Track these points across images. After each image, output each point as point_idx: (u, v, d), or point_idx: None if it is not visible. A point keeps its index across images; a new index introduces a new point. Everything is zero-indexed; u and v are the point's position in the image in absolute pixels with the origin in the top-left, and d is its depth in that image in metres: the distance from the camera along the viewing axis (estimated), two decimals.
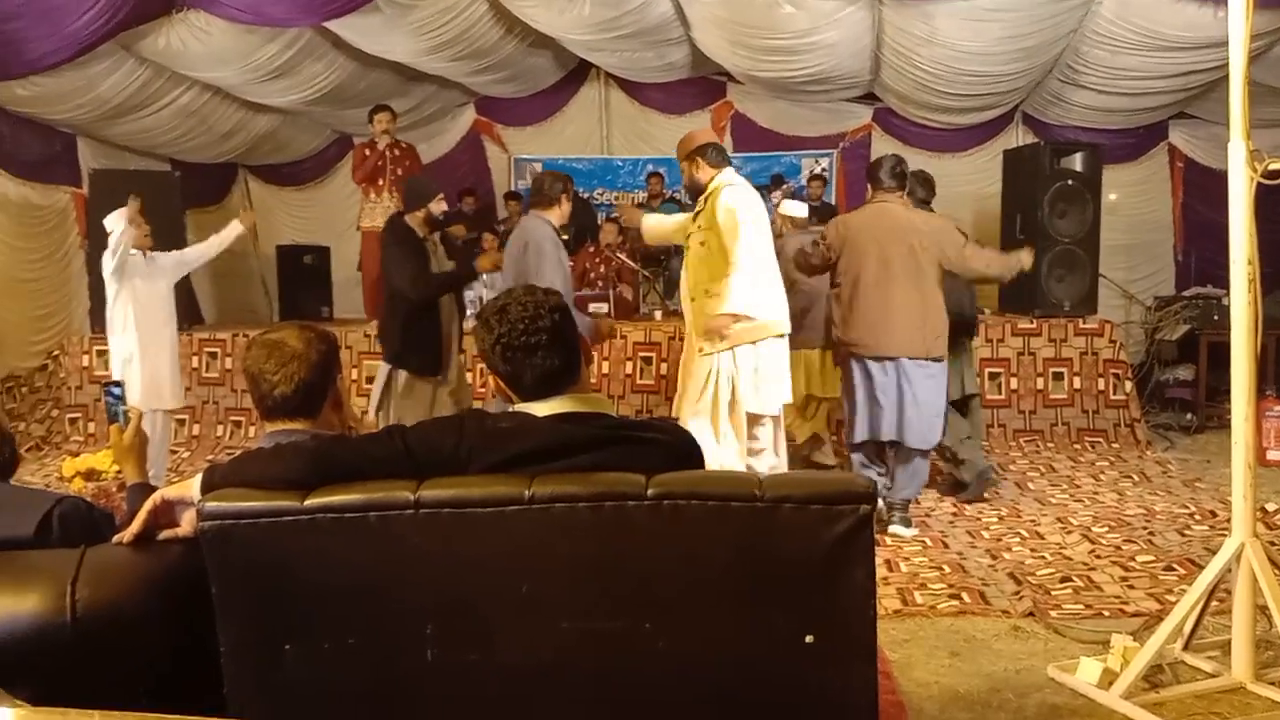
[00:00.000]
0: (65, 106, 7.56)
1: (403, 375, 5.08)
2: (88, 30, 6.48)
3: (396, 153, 7.85)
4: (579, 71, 9.79)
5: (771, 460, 4.89)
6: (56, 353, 7.95)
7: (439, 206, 5.24)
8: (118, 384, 2.59)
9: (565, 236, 8.58)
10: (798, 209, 6.23)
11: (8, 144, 7.68)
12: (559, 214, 5.16)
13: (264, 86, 8.01)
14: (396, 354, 5.12)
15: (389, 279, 5.22)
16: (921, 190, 5.55)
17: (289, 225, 10.36)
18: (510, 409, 2.00)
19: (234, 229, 5.99)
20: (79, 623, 1.61)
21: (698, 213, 4.88)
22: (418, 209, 5.17)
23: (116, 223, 5.45)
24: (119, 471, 2.98)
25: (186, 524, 1.80)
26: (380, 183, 7.84)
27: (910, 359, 4.80)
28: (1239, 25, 3.05)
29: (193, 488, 1.82)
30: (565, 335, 1.99)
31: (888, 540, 4.88)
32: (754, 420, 4.80)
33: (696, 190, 4.90)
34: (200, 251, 6.05)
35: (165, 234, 5.79)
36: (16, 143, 7.76)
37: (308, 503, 1.72)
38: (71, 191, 8.27)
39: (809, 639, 1.72)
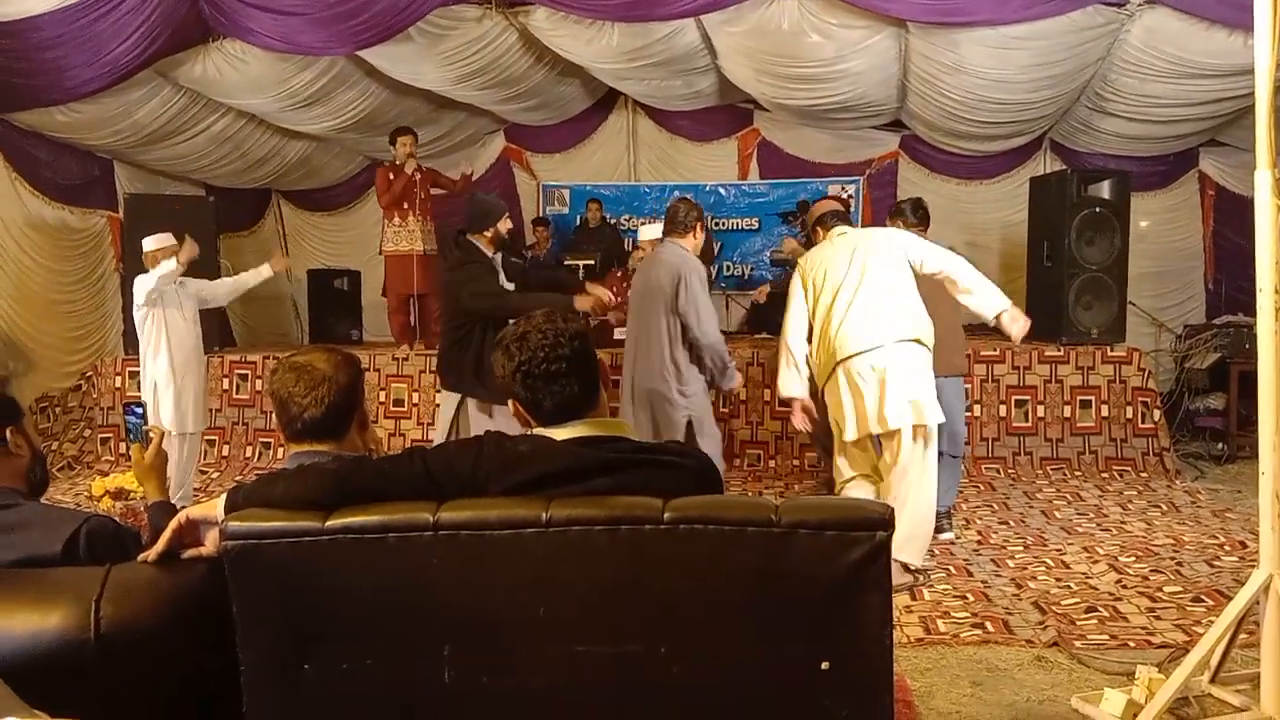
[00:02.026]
0: (103, 132, 7.70)
1: (473, 403, 4.98)
2: (126, 58, 6.61)
3: (418, 176, 7.85)
4: (607, 99, 9.87)
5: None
6: (90, 374, 8.08)
7: (505, 225, 5.14)
8: (140, 404, 2.65)
9: (591, 262, 8.66)
10: (655, 232, 6.21)
11: (46, 168, 7.84)
12: (694, 243, 5.02)
13: (298, 113, 8.13)
14: (463, 382, 4.98)
15: (457, 298, 5.01)
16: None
17: (320, 250, 10.50)
18: (529, 433, 2.03)
19: (263, 272, 6.05)
20: (102, 640, 1.64)
21: None
22: (486, 229, 5.05)
23: (158, 244, 5.57)
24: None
25: (210, 543, 1.83)
26: (405, 206, 7.79)
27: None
28: (1264, 54, 3.04)
29: (217, 508, 1.85)
30: (585, 362, 2.02)
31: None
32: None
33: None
34: (228, 289, 6.10)
35: (199, 259, 5.89)
36: (55, 167, 7.92)
37: (329, 524, 1.75)
38: (108, 215, 8.42)
39: (824, 665, 1.72)
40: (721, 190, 10.27)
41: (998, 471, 7.05)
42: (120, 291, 8.20)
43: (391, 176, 7.79)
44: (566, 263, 8.72)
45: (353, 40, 6.83)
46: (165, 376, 5.61)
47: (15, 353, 7.73)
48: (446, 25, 7.15)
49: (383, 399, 7.65)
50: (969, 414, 7.15)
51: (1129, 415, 7.14)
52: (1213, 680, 3.26)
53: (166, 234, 5.81)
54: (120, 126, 7.65)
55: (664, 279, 4.99)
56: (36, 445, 2.24)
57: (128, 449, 7.29)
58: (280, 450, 7.43)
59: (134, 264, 7.52)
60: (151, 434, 2.47)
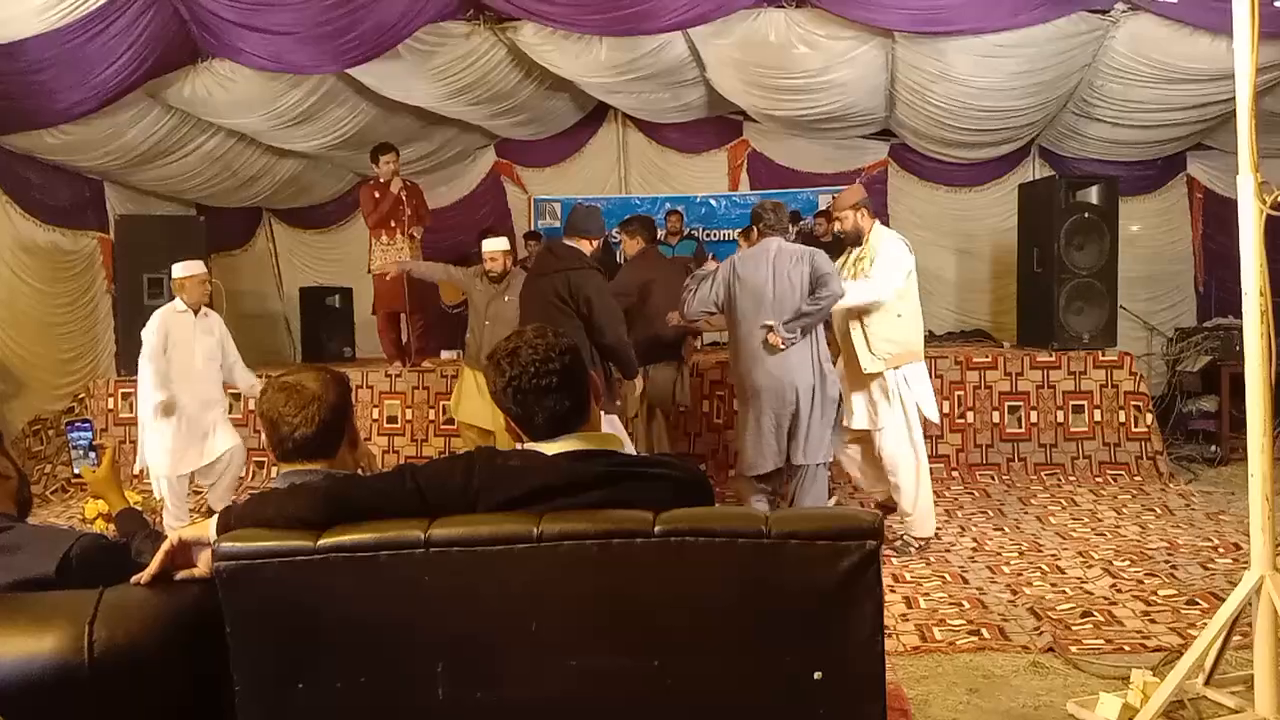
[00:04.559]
0: (93, 154, 7.71)
1: None
2: (115, 80, 6.62)
3: (404, 194, 7.59)
4: (597, 113, 9.91)
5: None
6: (83, 396, 8.05)
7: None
8: (86, 422, 2.69)
9: None
10: (501, 245, 6.23)
11: (37, 191, 7.83)
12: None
13: (288, 132, 8.15)
14: None
15: (594, 317, 4.93)
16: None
17: (312, 267, 10.51)
18: (520, 448, 2.03)
19: (256, 387, 5.79)
20: (96, 663, 1.64)
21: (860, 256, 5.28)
22: (593, 236, 5.16)
23: (187, 271, 5.56)
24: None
25: (203, 564, 1.83)
26: (393, 225, 7.56)
27: None
28: (1245, 59, 3.06)
29: (209, 529, 1.85)
30: (575, 376, 2.02)
31: (907, 576, 4.87)
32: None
33: (858, 236, 5.28)
34: (239, 371, 5.93)
35: None
36: (45, 189, 7.91)
37: (321, 542, 1.75)
38: (98, 237, 8.41)
39: (817, 675, 1.73)
40: (712, 201, 10.31)
41: (992, 478, 7.06)
42: (112, 313, 8.19)
43: (377, 195, 7.54)
44: None
45: (342, 58, 6.85)
46: (158, 412, 5.46)
47: (7, 375, 7.72)
48: (435, 42, 7.18)
49: (376, 416, 7.64)
50: (961, 420, 7.21)
51: (1121, 419, 7.15)
52: (1207, 682, 3.26)
53: (197, 262, 5.69)
54: (110, 148, 7.65)
55: (795, 271, 4.93)
56: (20, 466, 2.26)
57: (125, 472, 7.34)
58: (274, 469, 7.40)
59: (126, 285, 7.54)
60: (104, 448, 2.52)
